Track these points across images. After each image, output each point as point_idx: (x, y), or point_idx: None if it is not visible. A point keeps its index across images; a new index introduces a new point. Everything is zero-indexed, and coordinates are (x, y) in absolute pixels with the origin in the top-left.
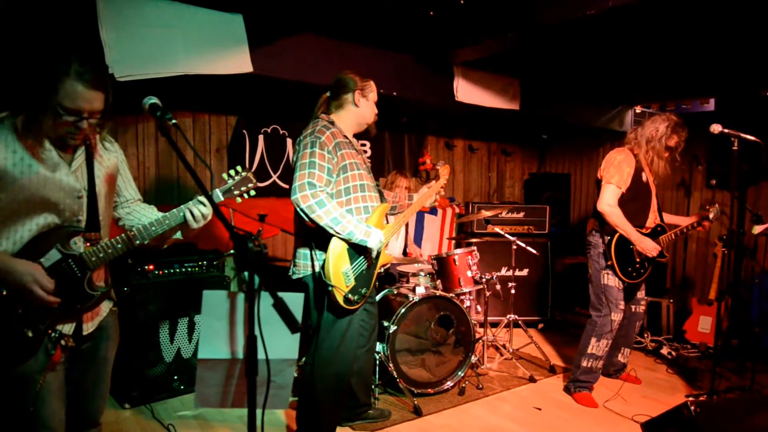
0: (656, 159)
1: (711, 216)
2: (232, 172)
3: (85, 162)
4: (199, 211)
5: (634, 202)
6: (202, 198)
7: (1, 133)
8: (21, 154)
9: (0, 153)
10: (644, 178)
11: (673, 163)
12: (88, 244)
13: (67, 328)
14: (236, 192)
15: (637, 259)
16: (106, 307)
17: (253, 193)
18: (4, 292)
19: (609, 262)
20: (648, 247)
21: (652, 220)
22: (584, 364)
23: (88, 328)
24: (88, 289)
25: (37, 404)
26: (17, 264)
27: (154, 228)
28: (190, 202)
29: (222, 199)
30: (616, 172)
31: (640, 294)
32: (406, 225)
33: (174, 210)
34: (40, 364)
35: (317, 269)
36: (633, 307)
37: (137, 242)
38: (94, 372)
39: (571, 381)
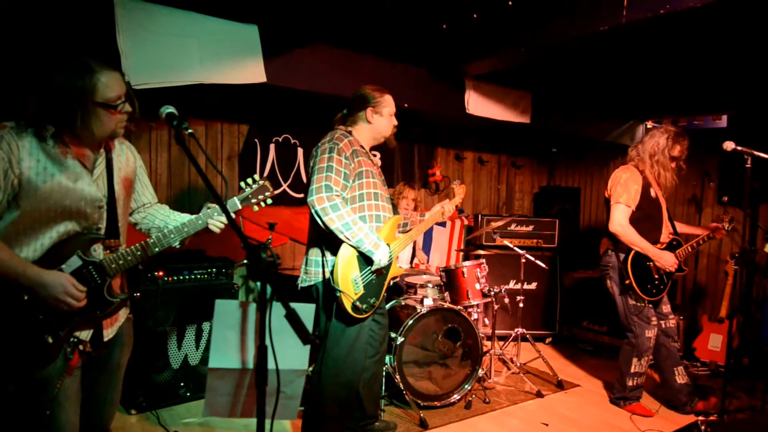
0: (662, 172)
1: (726, 226)
2: (249, 180)
3: (105, 170)
4: (220, 222)
5: (645, 220)
6: (218, 208)
7: (26, 141)
8: (44, 163)
9: (24, 161)
10: (653, 194)
11: (679, 172)
12: (108, 251)
13: (85, 335)
14: (254, 200)
15: (656, 276)
16: (123, 314)
17: (269, 201)
18: (26, 297)
19: (627, 282)
20: (668, 261)
21: (665, 235)
22: (630, 383)
23: (108, 334)
24: (107, 296)
25: (53, 409)
26: (47, 277)
27: (173, 236)
28: (209, 210)
29: (239, 207)
30: (623, 191)
31: (666, 308)
32: None
33: (193, 218)
34: (58, 369)
35: (327, 275)
36: (663, 323)
37: (156, 249)
38: (106, 378)
39: (619, 398)
